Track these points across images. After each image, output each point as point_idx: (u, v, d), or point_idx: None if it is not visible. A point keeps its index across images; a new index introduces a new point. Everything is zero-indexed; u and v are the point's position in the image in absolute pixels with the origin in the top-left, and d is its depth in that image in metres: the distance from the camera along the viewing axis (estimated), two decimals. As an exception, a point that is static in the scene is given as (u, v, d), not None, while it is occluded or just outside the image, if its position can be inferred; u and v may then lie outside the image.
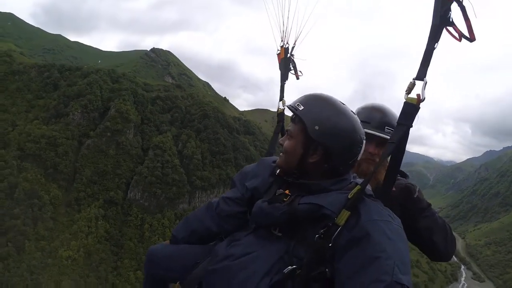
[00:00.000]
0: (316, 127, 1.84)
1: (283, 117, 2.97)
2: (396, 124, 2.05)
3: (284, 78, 3.13)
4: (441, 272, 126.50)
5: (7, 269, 74.70)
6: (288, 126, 2.00)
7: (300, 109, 1.89)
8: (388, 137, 2.41)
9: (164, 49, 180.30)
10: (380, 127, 2.59)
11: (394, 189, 2.09)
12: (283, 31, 3.07)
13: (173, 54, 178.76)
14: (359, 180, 1.88)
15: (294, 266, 1.69)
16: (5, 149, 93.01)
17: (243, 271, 1.76)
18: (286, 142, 1.95)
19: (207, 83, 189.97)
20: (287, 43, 3.11)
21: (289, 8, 2.89)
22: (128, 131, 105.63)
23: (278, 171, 2.03)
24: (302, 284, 1.67)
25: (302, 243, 1.76)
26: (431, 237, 2.32)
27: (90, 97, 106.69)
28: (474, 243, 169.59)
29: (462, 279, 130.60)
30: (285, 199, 1.85)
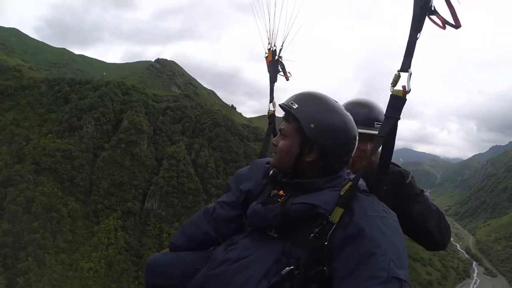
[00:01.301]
0: (312, 125, 1.85)
1: (274, 119, 3.00)
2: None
3: (273, 80, 3.18)
4: (453, 269, 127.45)
5: (28, 284, 74.49)
6: (281, 125, 2.01)
7: (295, 107, 1.89)
8: (375, 132, 2.59)
9: (168, 59, 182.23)
10: (369, 123, 2.64)
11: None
12: (270, 33, 3.12)
13: (177, 64, 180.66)
14: (353, 177, 1.89)
15: (292, 267, 1.70)
16: (20, 163, 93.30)
17: (240, 275, 1.77)
18: (281, 142, 1.96)
19: (212, 91, 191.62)
20: (274, 45, 3.17)
21: (275, 10, 2.94)
22: (142, 142, 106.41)
23: (271, 171, 2.06)
24: (301, 284, 1.68)
25: (298, 243, 1.76)
26: (425, 224, 2.30)
27: (103, 109, 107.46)
28: (485, 239, 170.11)
29: (475, 275, 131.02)
30: (279, 200, 1.86)
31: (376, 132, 2.39)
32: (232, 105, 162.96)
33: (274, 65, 3.18)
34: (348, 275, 1.57)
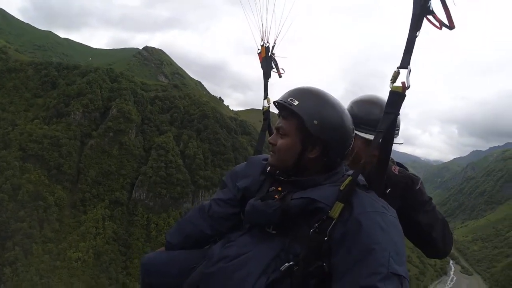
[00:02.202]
0: (315, 122, 1.85)
1: (269, 115, 2.99)
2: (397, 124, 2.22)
3: (266, 76, 3.20)
4: (431, 266, 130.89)
5: (16, 274, 74.30)
6: (278, 123, 2.00)
7: (295, 104, 1.88)
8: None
9: (156, 47, 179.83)
10: None
11: (396, 174, 2.32)
12: (262, 30, 3.12)
13: (165, 53, 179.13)
14: (352, 172, 1.91)
15: (291, 263, 1.70)
16: (6, 149, 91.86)
17: (239, 272, 1.77)
18: (280, 141, 1.95)
19: (200, 83, 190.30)
20: (267, 41, 3.18)
21: (267, 6, 2.93)
22: (130, 131, 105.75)
23: (269, 168, 2.07)
24: (300, 280, 1.67)
25: (298, 239, 1.77)
26: (430, 233, 2.30)
27: (91, 96, 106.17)
28: (462, 239, 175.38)
29: (451, 272, 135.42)
30: (276, 196, 1.87)
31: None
32: (220, 97, 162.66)
33: (268, 61, 3.20)
34: (348, 271, 1.57)
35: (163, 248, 2.37)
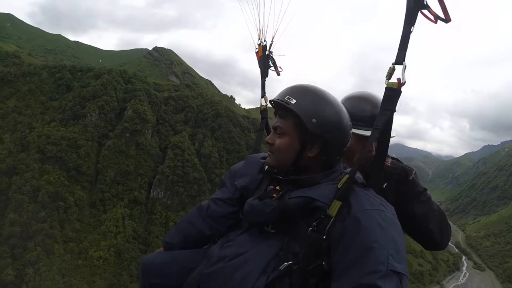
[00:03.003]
0: (314, 120, 1.83)
1: (266, 114, 2.97)
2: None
3: (264, 75, 3.20)
4: (444, 261, 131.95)
5: (38, 274, 74.75)
6: (275, 123, 1.98)
7: (293, 102, 1.85)
8: None
9: (165, 47, 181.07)
10: (372, 122, 2.53)
11: (389, 166, 2.27)
12: (259, 28, 3.12)
13: (174, 53, 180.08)
14: (349, 170, 1.90)
15: (290, 262, 1.69)
16: (25, 152, 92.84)
17: (238, 272, 1.75)
18: (278, 140, 1.93)
19: (210, 81, 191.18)
20: (264, 40, 3.17)
21: (264, 5, 2.92)
22: (146, 131, 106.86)
23: (267, 167, 2.05)
24: (300, 279, 1.66)
25: (296, 238, 1.76)
26: (427, 225, 2.25)
27: (106, 98, 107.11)
28: (474, 235, 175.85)
29: (464, 268, 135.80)
30: (275, 195, 1.86)
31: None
32: (231, 96, 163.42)
33: (265, 60, 3.21)
34: (347, 270, 1.57)
35: (162, 249, 2.37)
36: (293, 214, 1.78)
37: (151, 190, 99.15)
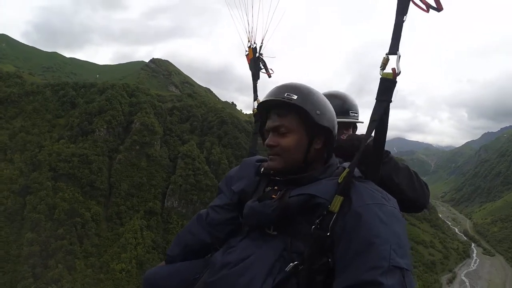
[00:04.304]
0: (318, 112, 1.83)
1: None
2: (355, 109, 2.42)
3: (255, 78, 3.17)
4: (454, 250, 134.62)
5: (61, 291, 75.32)
6: (273, 123, 1.90)
7: (295, 98, 1.82)
8: (354, 120, 2.92)
9: (162, 58, 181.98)
10: (344, 113, 2.81)
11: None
12: (249, 31, 3.09)
13: (171, 63, 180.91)
14: (346, 164, 1.90)
15: (296, 262, 1.65)
16: (36, 171, 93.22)
17: (243, 277, 1.70)
18: (284, 140, 1.86)
19: (209, 89, 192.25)
20: (254, 42, 3.15)
21: (252, 7, 2.89)
22: (155, 142, 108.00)
23: (262, 169, 2.01)
24: (307, 278, 1.62)
25: (300, 237, 1.72)
26: (393, 183, 2.13)
27: (112, 112, 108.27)
28: (481, 222, 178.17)
29: (474, 255, 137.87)
30: (274, 196, 1.81)
31: (353, 120, 2.89)
32: (232, 102, 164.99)
33: (256, 62, 3.19)
34: (349, 265, 1.53)
35: (164, 263, 2.33)
36: (294, 213, 1.75)
37: (165, 200, 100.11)
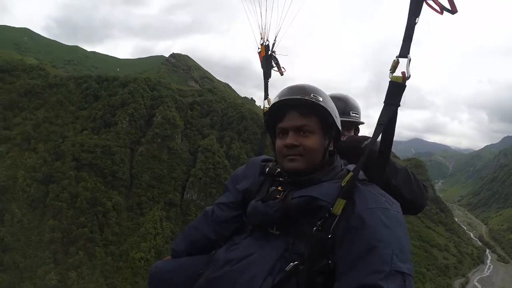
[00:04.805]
0: (336, 115, 1.90)
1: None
2: (356, 110, 2.44)
3: (267, 76, 3.15)
4: (468, 255, 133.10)
5: (81, 277, 76.92)
6: (297, 121, 1.87)
7: (321, 99, 1.85)
8: (355, 120, 2.98)
9: (181, 53, 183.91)
10: (345, 113, 2.86)
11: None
12: (262, 27, 3.05)
13: (191, 58, 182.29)
14: (351, 167, 1.89)
15: (296, 262, 1.66)
16: (59, 160, 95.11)
17: (244, 275, 1.72)
18: (307, 141, 1.86)
19: (228, 85, 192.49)
20: (267, 40, 3.12)
21: (266, 4, 2.85)
22: (176, 136, 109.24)
23: (267, 169, 2.07)
24: (306, 279, 1.62)
25: (301, 238, 1.73)
26: (391, 184, 2.11)
27: (135, 105, 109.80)
28: (497, 228, 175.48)
29: (488, 261, 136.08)
30: (278, 196, 1.84)
31: (353, 120, 2.96)
32: (251, 98, 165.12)
33: (268, 60, 3.17)
34: (350, 269, 1.53)
35: (169, 257, 2.37)
36: (296, 215, 1.77)
37: (185, 193, 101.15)
